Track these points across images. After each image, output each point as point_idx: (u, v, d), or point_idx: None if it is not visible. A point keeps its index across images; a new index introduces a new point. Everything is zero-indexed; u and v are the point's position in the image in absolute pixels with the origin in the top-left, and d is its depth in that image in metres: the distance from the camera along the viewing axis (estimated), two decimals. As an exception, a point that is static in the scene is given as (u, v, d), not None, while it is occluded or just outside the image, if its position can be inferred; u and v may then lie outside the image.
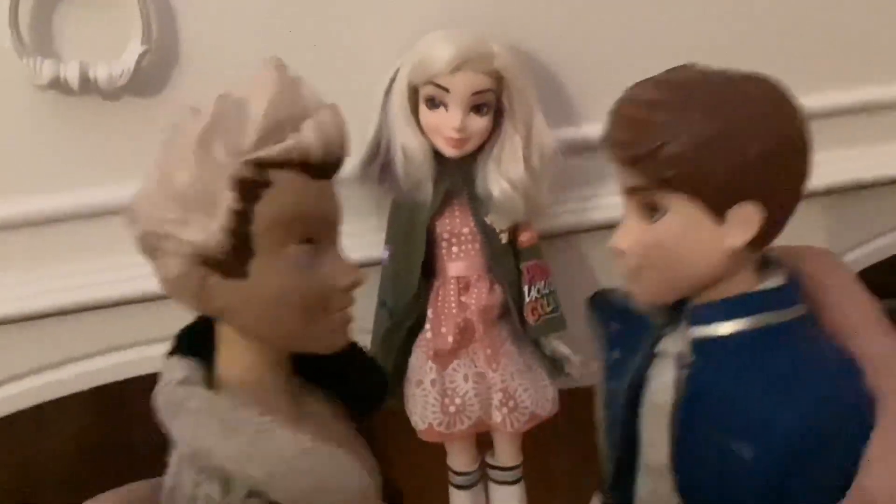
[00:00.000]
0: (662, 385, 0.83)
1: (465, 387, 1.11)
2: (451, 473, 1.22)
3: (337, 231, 0.70)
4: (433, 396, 1.10)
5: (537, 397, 1.13)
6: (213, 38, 1.05)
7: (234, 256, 0.64)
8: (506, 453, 1.20)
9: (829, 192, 1.26)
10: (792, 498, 0.74)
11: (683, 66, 0.79)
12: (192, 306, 0.68)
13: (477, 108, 1.04)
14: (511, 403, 1.11)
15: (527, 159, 1.06)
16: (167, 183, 0.64)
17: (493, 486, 1.23)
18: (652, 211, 0.77)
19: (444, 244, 1.10)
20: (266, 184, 0.63)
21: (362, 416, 0.80)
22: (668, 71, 0.79)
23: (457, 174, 1.08)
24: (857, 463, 0.74)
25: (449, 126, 1.03)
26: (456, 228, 1.10)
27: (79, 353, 1.13)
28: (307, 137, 0.64)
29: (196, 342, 0.71)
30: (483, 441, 1.21)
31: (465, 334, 1.10)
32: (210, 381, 0.70)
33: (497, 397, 1.11)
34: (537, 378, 1.14)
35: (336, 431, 0.74)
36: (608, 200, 1.21)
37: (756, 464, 0.75)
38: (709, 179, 0.73)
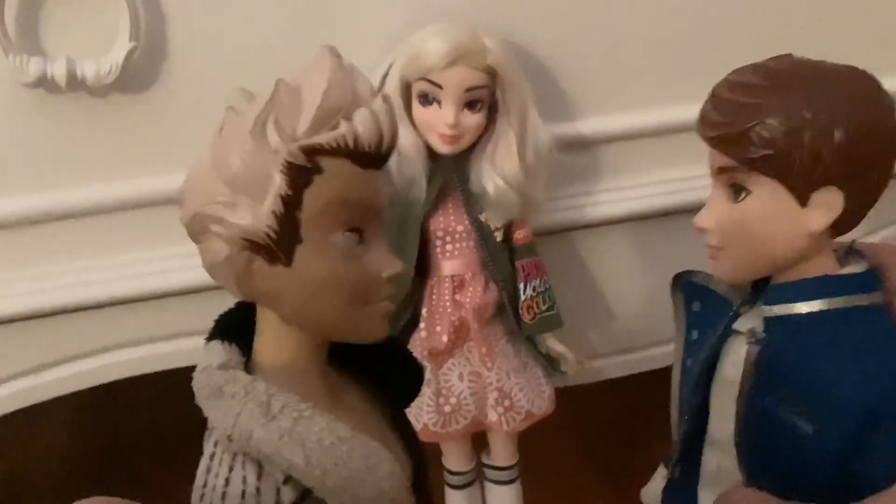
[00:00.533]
0: (734, 360, 0.85)
1: (460, 386, 1.10)
2: (446, 473, 1.21)
3: (382, 221, 0.71)
4: (428, 396, 1.10)
5: (533, 396, 1.13)
6: (202, 33, 1.04)
7: (280, 242, 0.64)
8: (501, 453, 1.19)
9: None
10: (855, 476, 0.75)
11: (783, 56, 0.81)
12: (235, 290, 0.69)
13: (471, 105, 1.03)
14: (507, 402, 1.11)
15: (521, 156, 1.06)
16: (220, 165, 0.65)
17: (488, 486, 1.22)
18: (737, 191, 0.80)
19: (438, 242, 1.09)
20: (317, 170, 0.64)
21: (397, 408, 0.80)
22: (768, 59, 0.81)
23: (451, 171, 1.07)
24: None
25: (442, 123, 1.02)
26: (450, 226, 1.09)
27: (67, 354, 1.13)
28: (359, 126, 0.65)
29: (235, 328, 0.72)
30: (479, 440, 1.20)
31: (459, 333, 1.09)
32: (248, 366, 0.70)
33: (492, 396, 1.11)
34: (533, 377, 1.14)
35: (370, 423, 0.75)
36: (604, 197, 1.21)
37: (819, 440, 0.76)
38: (795, 164, 0.75)
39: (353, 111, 0.65)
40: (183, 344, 1.13)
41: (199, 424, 0.67)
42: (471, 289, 1.09)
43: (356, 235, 0.67)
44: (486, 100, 1.04)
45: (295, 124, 0.64)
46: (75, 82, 1.00)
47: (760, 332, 0.83)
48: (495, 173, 1.05)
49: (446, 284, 1.09)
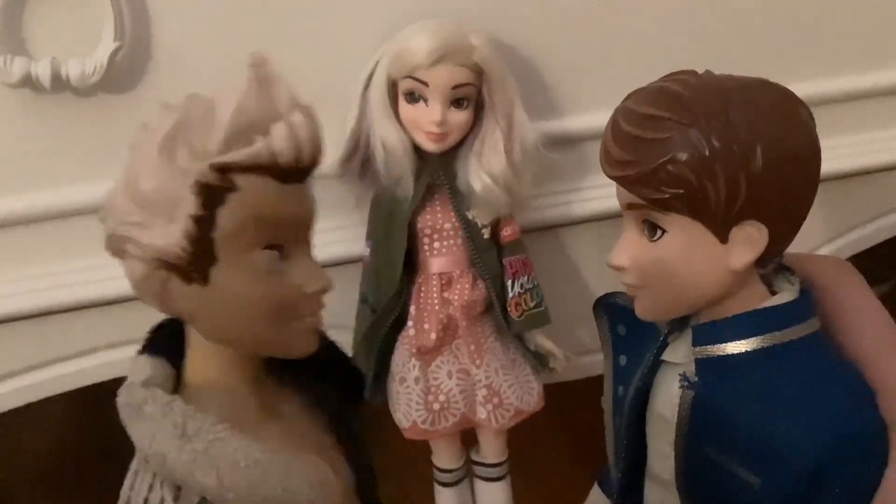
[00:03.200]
0: (668, 398, 0.80)
1: (448, 384, 1.10)
2: (436, 471, 1.21)
3: (308, 235, 0.69)
4: (417, 394, 1.10)
5: (522, 393, 1.13)
6: (187, 32, 1.04)
7: (195, 262, 0.62)
8: (491, 449, 1.19)
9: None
10: None
11: (686, 74, 0.74)
12: (158, 308, 0.67)
13: (457, 102, 1.03)
14: (496, 399, 1.11)
15: (508, 153, 1.06)
16: (132, 185, 0.63)
17: (478, 483, 1.22)
18: (652, 228, 0.74)
19: (425, 240, 1.09)
20: (231, 188, 0.62)
21: (340, 416, 0.78)
22: (666, 79, 0.74)
23: (438, 169, 1.07)
24: (869, 495, 0.71)
25: (429, 120, 1.02)
26: (438, 224, 1.09)
27: (57, 355, 1.12)
28: (276, 141, 0.62)
29: (168, 341, 0.70)
30: (468, 437, 1.20)
31: (448, 330, 1.09)
32: (177, 381, 0.69)
33: (481, 393, 1.11)
34: (522, 373, 1.14)
35: (305, 433, 0.73)
36: (591, 193, 1.21)
37: (763, 492, 0.72)
38: (710, 200, 0.69)
39: (271, 125, 0.62)
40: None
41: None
42: (459, 286, 1.09)
43: (275, 252, 0.65)
44: (472, 97, 1.04)
45: (206, 142, 0.61)
46: (60, 82, 0.99)
47: (692, 375, 0.77)
48: (482, 171, 1.05)
49: (434, 282, 1.09)
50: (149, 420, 0.63)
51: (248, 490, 0.63)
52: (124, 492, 0.66)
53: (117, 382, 1.14)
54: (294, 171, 0.64)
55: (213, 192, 0.61)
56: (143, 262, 0.63)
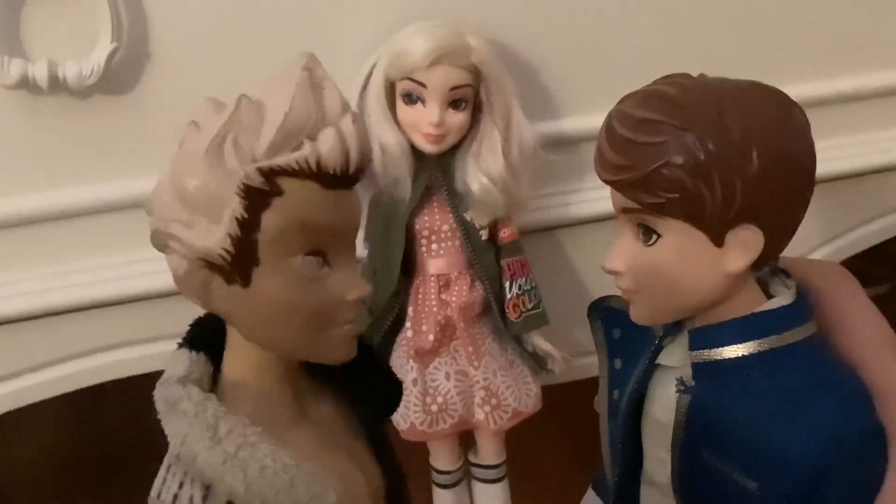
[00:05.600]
0: (664, 402, 0.80)
1: (446, 385, 1.10)
2: (433, 472, 1.21)
3: (352, 242, 0.68)
4: (415, 396, 1.09)
5: (520, 394, 1.13)
6: (185, 34, 1.04)
7: (236, 264, 0.62)
8: (489, 451, 1.19)
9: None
10: None
11: (679, 77, 0.74)
12: (199, 305, 0.67)
13: (455, 103, 1.03)
14: (493, 401, 1.11)
15: (506, 154, 1.06)
16: (177, 183, 0.62)
17: (476, 485, 1.22)
18: (647, 232, 0.73)
19: (423, 241, 1.09)
20: (277, 192, 0.61)
21: (375, 423, 0.78)
22: (660, 83, 0.74)
23: (435, 170, 1.07)
24: (868, 499, 0.71)
25: (426, 122, 1.02)
26: (435, 225, 1.09)
27: (56, 356, 1.12)
28: (324, 146, 0.61)
29: (207, 335, 0.70)
30: (466, 439, 1.20)
31: (445, 332, 1.09)
32: (213, 378, 0.69)
33: (479, 395, 1.11)
34: (520, 375, 1.14)
35: (338, 437, 0.73)
36: (589, 195, 1.21)
37: (761, 497, 0.71)
38: (706, 204, 0.69)
39: (319, 130, 0.62)
40: (173, 346, 1.12)
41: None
42: (456, 288, 1.09)
43: (318, 259, 0.64)
44: (470, 99, 1.04)
45: (254, 144, 0.61)
46: (57, 84, 0.99)
47: (689, 380, 0.77)
48: (480, 172, 1.05)
49: (432, 283, 1.09)
50: (182, 417, 0.63)
51: (274, 496, 0.62)
52: (156, 485, 0.65)
53: (117, 383, 1.14)
54: (340, 178, 0.64)
55: (258, 196, 0.61)
56: (186, 260, 0.63)
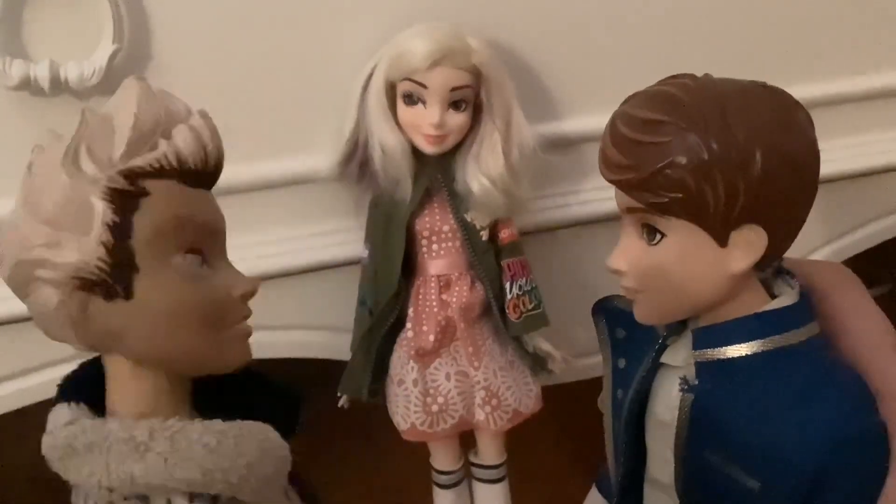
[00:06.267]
0: (667, 401, 0.80)
1: (447, 386, 1.10)
2: (434, 473, 1.21)
3: (224, 244, 0.67)
4: (415, 396, 1.10)
5: (520, 395, 1.13)
6: (186, 36, 1.04)
7: (115, 275, 0.60)
8: (489, 451, 1.19)
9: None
10: None
11: (684, 77, 0.74)
12: (74, 340, 0.63)
13: (455, 104, 1.03)
14: (494, 401, 1.11)
15: (506, 155, 1.06)
16: (34, 206, 0.60)
17: (476, 485, 1.22)
18: (651, 232, 0.73)
19: (423, 242, 1.09)
20: (142, 193, 0.61)
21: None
22: (664, 83, 0.74)
23: (436, 171, 1.07)
24: (871, 499, 0.71)
25: (427, 123, 1.02)
26: (436, 226, 1.09)
27: (56, 357, 1.12)
28: (181, 142, 0.62)
29: (80, 388, 0.67)
30: (466, 439, 1.20)
31: (446, 333, 1.09)
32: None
33: (480, 395, 1.11)
34: (520, 375, 1.14)
35: None
36: (589, 196, 1.22)
37: (764, 496, 0.72)
38: (709, 204, 0.69)
39: (171, 129, 0.62)
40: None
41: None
42: (457, 288, 1.09)
43: (197, 257, 0.63)
44: (470, 100, 1.04)
45: (110, 149, 0.60)
46: (59, 85, 0.99)
47: (693, 379, 0.77)
48: (480, 173, 1.05)
49: (433, 284, 1.09)
50: (90, 452, 0.60)
51: (232, 464, 0.61)
52: None
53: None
54: (201, 174, 0.64)
55: (125, 198, 0.60)
56: (57, 288, 0.60)
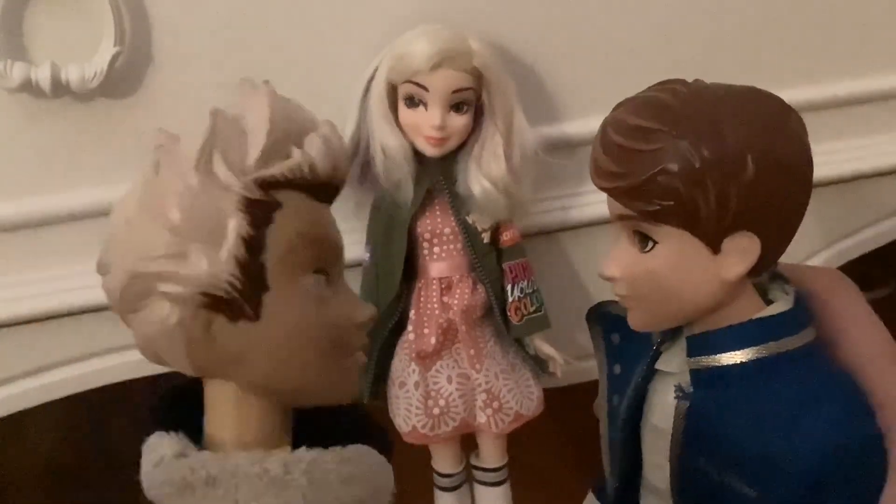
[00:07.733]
0: (662, 409, 0.80)
1: (448, 388, 1.10)
2: (435, 475, 1.21)
3: (343, 262, 0.63)
4: (417, 398, 1.09)
5: (522, 397, 1.13)
6: (187, 38, 1.04)
7: (246, 293, 0.55)
8: (491, 454, 1.19)
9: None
10: None
11: (675, 83, 0.73)
12: (184, 363, 0.58)
13: (457, 107, 1.03)
14: (495, 404, 1.11)
15: (507, 157, 1.06)
16: (157, 210, 0.55)
17: (478, 488, 1.22)
18: (644, 239, 0.73)
19: (425, 244, 1.09)
20: (276, 205, 0.56)
21: None
22: (655, 89, 0.74)
23: (437, 173, 1.07)
24: None
25: (428, 125, 1.02)
26: (437, 228, 1.09)
27: (57, 359, 1.12)
28: (314, 152, 0.58)
29: (173, 416, 0.61)
30: (467, 442, 1.20)
31: (447, 335, 1.09)
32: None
33: (481, 398, 1.11)
34: (522, 378, 1.14)
35: None
36: (591, 198, 1.21)
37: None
38: (701, 211, 0.69)
39: (303, 138, 0.59)
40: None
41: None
42: (458, 291, 1.09)
43: (323, 277, 0.59)
44: (472, 102, 1.04)
45: (244, 155, 0.56)
46: (60, 87, 0.99)
47: (688, 387, 0.77)
48: (482, 175, 1.05)
49: (434, 286, 1.09)
50: (214, 487, 0.55)
51: (366, 491, 0.58)
52: None
53: (119, 386, 1.14)
54: (328, 187, 0.61)
55: (260, 210, 0.56)
56: (179, 304, 0.55)
